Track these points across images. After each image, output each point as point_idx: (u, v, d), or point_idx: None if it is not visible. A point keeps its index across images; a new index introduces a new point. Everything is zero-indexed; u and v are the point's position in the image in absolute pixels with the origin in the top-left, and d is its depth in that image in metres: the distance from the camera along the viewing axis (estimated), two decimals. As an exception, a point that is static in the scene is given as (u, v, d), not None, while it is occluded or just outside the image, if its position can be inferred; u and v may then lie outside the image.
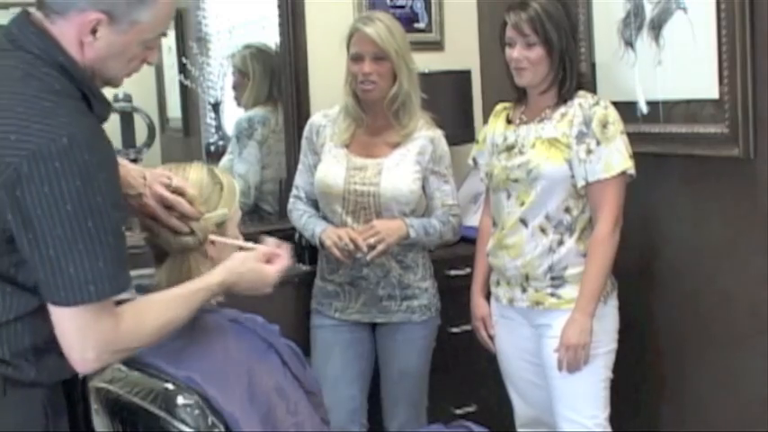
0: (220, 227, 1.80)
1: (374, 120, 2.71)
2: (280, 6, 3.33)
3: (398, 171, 2.67)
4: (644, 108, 2.75)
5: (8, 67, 1.48)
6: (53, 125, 1.40)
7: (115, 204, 1.46)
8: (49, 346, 1.50)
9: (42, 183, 1.38)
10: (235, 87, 3.55)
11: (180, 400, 1.61)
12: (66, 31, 1.50)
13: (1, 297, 1.49)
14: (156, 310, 1.57)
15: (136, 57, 1.59)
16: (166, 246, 1.78)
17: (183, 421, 1.59)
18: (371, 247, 2.60)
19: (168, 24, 1.63)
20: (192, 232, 1.75)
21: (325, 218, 2.76)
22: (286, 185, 3.23)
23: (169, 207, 1.75)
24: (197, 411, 1.60)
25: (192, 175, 1.80)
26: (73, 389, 1.63)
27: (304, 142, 2.83)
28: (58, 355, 1.49)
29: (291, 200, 2.84)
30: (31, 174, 1.37)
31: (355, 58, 2.65)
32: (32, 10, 1.55)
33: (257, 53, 3.50)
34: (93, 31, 1.50)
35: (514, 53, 2.45)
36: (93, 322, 1.45)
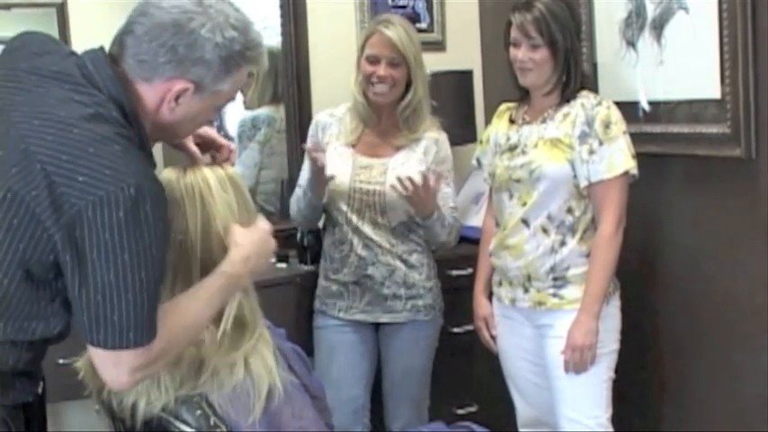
0: None
1: (382, 121, 2.71)
2: (281, 6, 3.33)
3: (403, 171, 2.66)
4: (646, 108, 2.75)
5: (80, 103, 1.44)
6: (123, 173, 1.38)
7: (165, 255, 1.48)
8: (26, 369, 1.51)
9: (104, 229, 1.36)
10: (241, 91, 3.54)
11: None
12: (147, 93, 1.52)
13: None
14: (179, 315, 1.54)
15: (205, 119, 1.63)
16: None
17: (184, 422, 1.60)
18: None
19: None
20: None
21: (329, 217, 2.76)
22: (287, 186, 3.22)
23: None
24: (199, 412, 1.60)
25: None
26: (31, 409, 1.60)
27: (309, 141, 2.83)
28: (29, 379, 1.51)
29: (293, 198, 2.84)
30: (94, 218, 1.36)
31: (371, 60, 2.63)
32: (106, 48, 1.54)
33: (260, 54, 3.50)
34: (177, 98, 1.52)
35: (519, 54, 2.45)
36: (126, 356, 1.44)
